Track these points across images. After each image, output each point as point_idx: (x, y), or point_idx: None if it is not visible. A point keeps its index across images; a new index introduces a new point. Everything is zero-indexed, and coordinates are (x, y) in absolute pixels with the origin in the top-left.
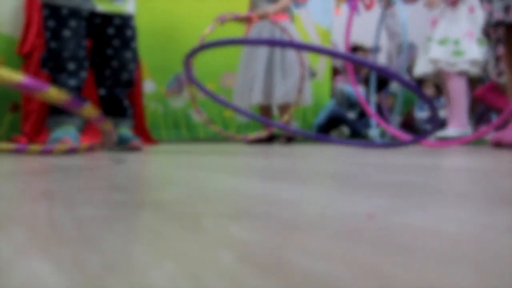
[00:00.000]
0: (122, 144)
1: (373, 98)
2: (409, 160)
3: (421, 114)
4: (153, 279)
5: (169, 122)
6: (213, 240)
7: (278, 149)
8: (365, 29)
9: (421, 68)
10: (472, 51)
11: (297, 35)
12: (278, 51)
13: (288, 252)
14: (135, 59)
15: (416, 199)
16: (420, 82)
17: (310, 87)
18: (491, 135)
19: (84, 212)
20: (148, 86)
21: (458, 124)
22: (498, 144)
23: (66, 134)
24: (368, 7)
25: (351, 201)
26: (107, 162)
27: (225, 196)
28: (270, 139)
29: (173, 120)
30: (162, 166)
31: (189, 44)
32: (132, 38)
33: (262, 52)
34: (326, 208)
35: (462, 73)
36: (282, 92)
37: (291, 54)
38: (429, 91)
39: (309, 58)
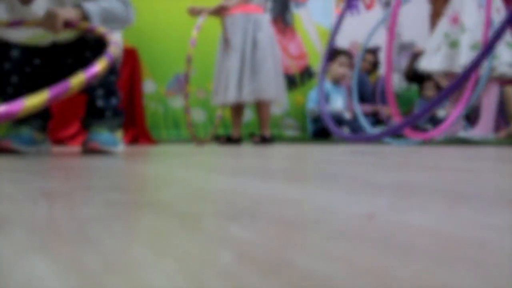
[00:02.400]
0: (83, 145)
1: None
2: (409, 160)
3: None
4: (153, 279)
5: (169, 122)
6: (213, 240)
7: (277, 150)
8: (365, 29)
9: (431, 64)
10: (505, 54)
11: (270, 28)
12: (249, 47)
13: (288, 252)
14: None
15: (416, 199)
16: (422, 78)
17: (283, 86)
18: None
19: (84, 212)
20: (148, 86)
21: (484, 129)
22: None
23: (12, 138)
24: (368, 7)
25: (351, 201)
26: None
27: (225, 196)
28: (238, 140)
29: (173, 120)
30: (162, 166)
31: (188, 43)
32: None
33: (235, 49)
34: (326, 208)
35: (499, 78)
36: (251, 89)
37: (262, 49)
38: (429, 92)
39: (309, 58)
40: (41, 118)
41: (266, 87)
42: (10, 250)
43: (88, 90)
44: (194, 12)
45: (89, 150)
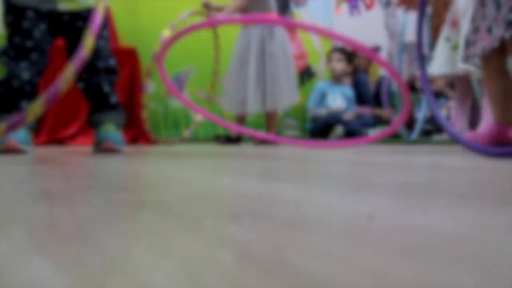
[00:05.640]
0: (97, 145)
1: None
2: (409, 160)
3: (422, 114)
4: (153, 279)
5: (169, 122)
6: (213, 240)
7: (277, 150)
8: (366, 28)
9: (438, 69)
10: None
11: (282, 33)
12: (263, 59)
13: (288, 252)
14: (108, 45)
15: (416, 199)
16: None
17: (295, 86)
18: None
19: (84, 212)
20: (148, 86)
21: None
22: None
23: (14, 136)
24: (369, 6)
25: (351, 201)
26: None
27: (225, 196)
28: (238, 140)
29: (173, 120)
30: (162, 166)
31: (189, 43)
32: (102, 26)
33: (253, 58)
34: (326, 208)
35: None
36: (266, 101)
37: (275, 61)
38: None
39: (309, 58)
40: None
41: (279, 98)
42: (10, 250)
43: (93, 85)
44: (208, 9)
45: (103, 150)
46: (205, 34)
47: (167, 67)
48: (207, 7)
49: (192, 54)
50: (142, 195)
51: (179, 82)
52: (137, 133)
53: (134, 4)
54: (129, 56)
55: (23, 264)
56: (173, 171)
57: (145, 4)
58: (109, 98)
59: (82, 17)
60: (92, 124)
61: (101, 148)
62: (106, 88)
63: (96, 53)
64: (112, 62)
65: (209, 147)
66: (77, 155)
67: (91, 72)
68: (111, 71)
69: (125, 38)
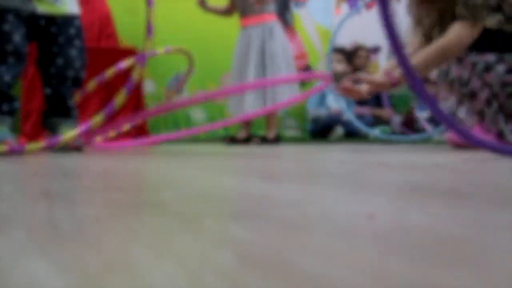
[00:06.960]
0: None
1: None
2: (409, 160)
3: (422, 114)
4: (153, 279)
5: (169, 122)
6: (213, 240)
7: (278, 151)
8: (366, 28)
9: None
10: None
11: (282, 34)
12: (264, 58)
13: (288, 252)
14: (81, 57)
15: (416, 199)
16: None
17: (296, 84)
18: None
19: (84, 212)
20: (148, 86)
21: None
22: (457, 145)
23: (5, 135)
24: (369, 6)
25: (351, 201)
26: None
27: (225, 196)
28: (247, 140)
29: (173, 120)
30: (162, 166)
31: (189, 43)
32: (76, 36)
33: (253, 59)
34: (326, 208)
35: None
36: (267, 100)
37: (276, 59)
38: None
39: (310, 58)
40: (12, 118)
41: (281, 98)
42: (10, 250)
43: (59, 95)
44: (203, 5)
45: (70, 149)
46: (205, 35)
47: (167, 67)
48: (202, 3)
49: (192, 54)
50: (142, 195)
51: (179, 82)
52: (137, 133)
53: (134, 4)
54: (129, 56)
55: (23, 264)
56: (173, 171)
57: (144, 4)
58: (70, 109)
59: (58, 23)
60: (49, 126)
61: (68, 147)
62: (70, 102)
63: (68, 62)
64: (82, 75)
65: (209, 147)
66: (75, 155)
67: (59, 80)
68: (77, 83)
69: (125, 38)
